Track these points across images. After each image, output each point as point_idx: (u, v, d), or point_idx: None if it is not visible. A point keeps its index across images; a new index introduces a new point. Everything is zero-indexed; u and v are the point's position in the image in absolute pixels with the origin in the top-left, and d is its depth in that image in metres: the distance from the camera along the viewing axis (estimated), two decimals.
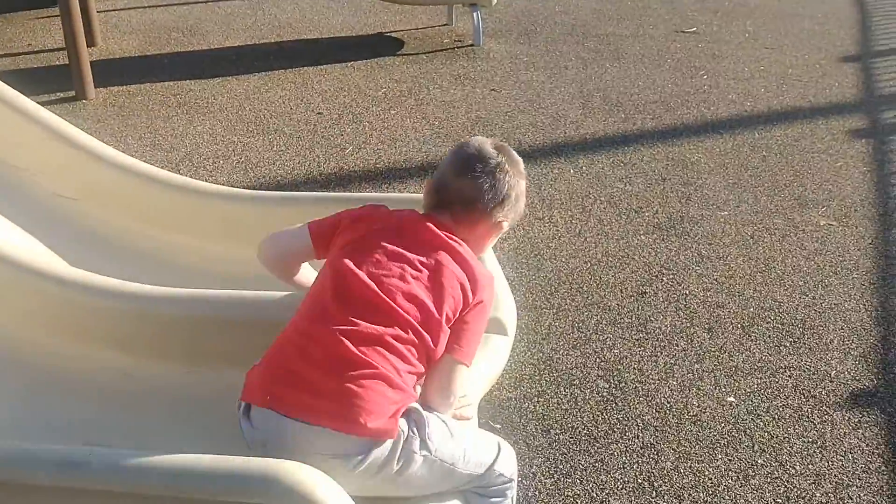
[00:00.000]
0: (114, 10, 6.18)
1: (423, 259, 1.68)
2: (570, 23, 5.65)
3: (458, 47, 5.27)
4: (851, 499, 2.09)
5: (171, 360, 2.06)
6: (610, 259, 3.05)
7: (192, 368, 2.04)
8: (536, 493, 2.11)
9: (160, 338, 2.05)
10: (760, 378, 2.48)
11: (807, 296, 2.84)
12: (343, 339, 1.56)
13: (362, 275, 1.64)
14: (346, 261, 1.67)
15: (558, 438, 2.28)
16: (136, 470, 1.47)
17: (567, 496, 2.10)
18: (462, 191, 1.76)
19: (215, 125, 4.19)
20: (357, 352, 1.56)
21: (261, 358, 1.67)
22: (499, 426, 2.31)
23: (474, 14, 5.20)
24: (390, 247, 1.69)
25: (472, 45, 5.25)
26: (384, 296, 1.62)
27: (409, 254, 1.68)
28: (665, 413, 2.36)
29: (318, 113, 4.32)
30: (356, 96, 4.52)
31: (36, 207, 2.56)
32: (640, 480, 2.15)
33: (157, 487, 1.46)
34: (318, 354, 1.57)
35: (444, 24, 5.69)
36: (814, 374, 2.50)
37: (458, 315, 1.68)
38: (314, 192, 2.71)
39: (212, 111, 4.36)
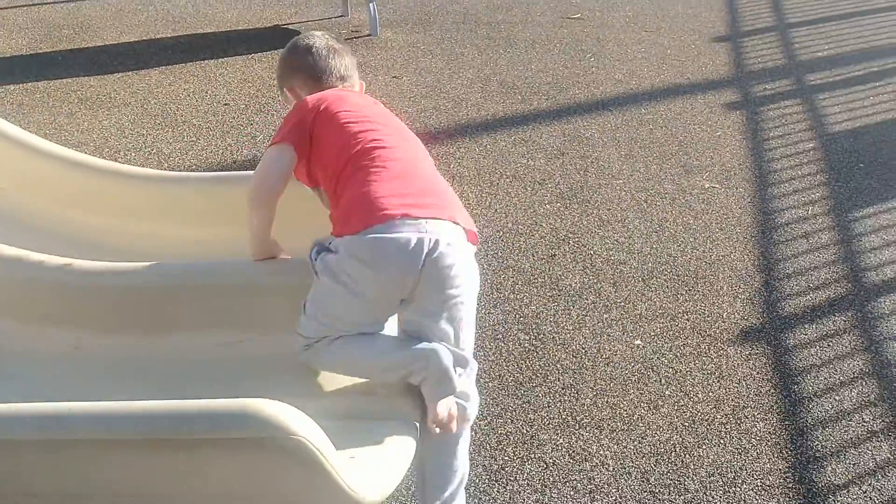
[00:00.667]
0: None
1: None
2: (462, 12, 5.87)
3: (355, 38, 5.42)
4: (747, 418, 2.37)
5: (120, 332, 2.14)
6: (520, 227, 3.28)
7: (141, 338, 2.13)
8: (473, 433, 2.30)
9: (107, 310, 2.13)
10: (662, 322, 2.75)
11: (697, 250, 3.14)
12: (426, 174, 1.93)
13: (387, 139, 1.92)
14: (367, 134, 1.92)
15: (488, 385, 2.48)
16: (117, 418, 1.58)
17: (500, 433, 2.31)
18: (343, 66, 2.14)
19: (121, 119, 4.21)
20: (438, 177, 1.95)
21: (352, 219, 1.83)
22: None
23: (370, 5, 5.35)
24: (371, 111, 2.03)
25: (369, 36, 5.40)
26: (410, 142, 1.98)
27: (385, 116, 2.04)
28: (581, 358, 2.59)
29: (225, 104, 4.39)
30: (260, 87, 4.61)
31: None
32: (563, 416, 2.37)
33: (137, 433, 1.57)
34: (415, 181, 1.88)
35: (340, 16, 5.82)
36: (708, 316, 2.79)
37: None
38: (242, 172, 2.78)
39: (116, 106, 4.36)
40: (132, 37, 5.48)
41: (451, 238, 1.80)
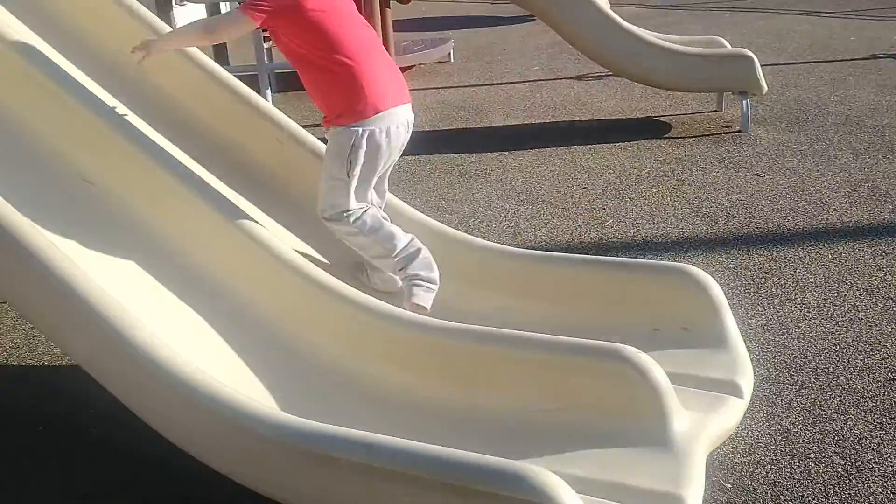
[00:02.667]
0: (412, 91, 6.97)
1: None
2: (845, 113, 5.61)
3: (724, 133, 5.44)
4: None
5: (450, 384, 2.42)
6: (860, 344, 3.08)
7: (468, 392, 2.38)
8: None
9: (443, 363, 2.42)
10: None
11: None
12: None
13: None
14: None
15: None
16: (406, 454, 1.84)
17: None
18: None
19: (490, 193, 4.67)
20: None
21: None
22: (729, 486, 2.46)
23: (744, 101, 5.34)
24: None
25: (738, 132, 5.39)
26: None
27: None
28: None
29: (584, 188, 4.67)
30: (620, 174, 4.83)
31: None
32: None
33: (418, 471, 1.81)
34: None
35: (713, 111, 5.87)
36: None
37: None
38: (573, 255, 3.01)
39: (488, 181, 4.86)
40: (516, 120, 6.04)
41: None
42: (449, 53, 8.06)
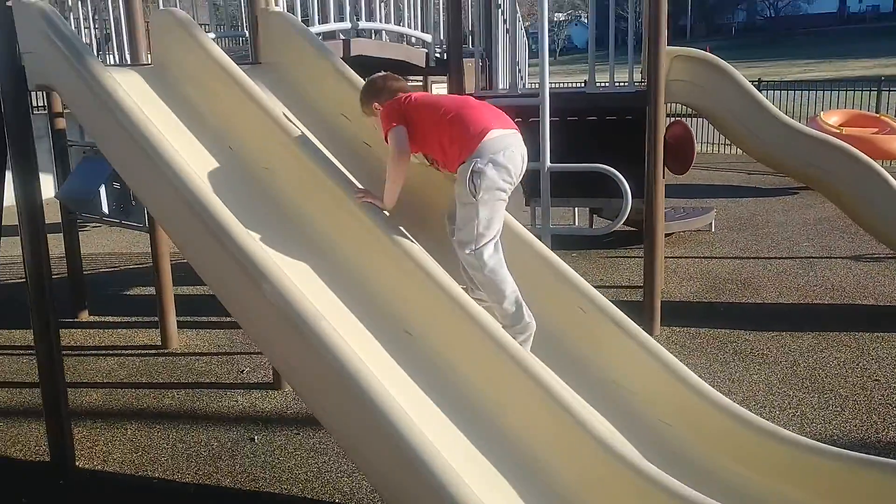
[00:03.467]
0: (673, 258, 6.96)
1: None
2: None
3: None
4: None
5: None
6: None
7: None
8: None
9: None
10: None
11: None
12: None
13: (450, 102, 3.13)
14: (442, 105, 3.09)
15: None
16: None
17: None
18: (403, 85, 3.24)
19: (770, 376, 4.46)
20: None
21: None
22: None
23: None
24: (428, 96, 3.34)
25: None
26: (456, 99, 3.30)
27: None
28: None
29: (876, 379, 4.35)
30: None
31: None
32: None
33: None
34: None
35: None
36: None
37: None
38: (886, 460, 2.77)
39: (766, 363, 4.65)
40: (790, 298, 5.80)
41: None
42: (710, 223, 7.99)
